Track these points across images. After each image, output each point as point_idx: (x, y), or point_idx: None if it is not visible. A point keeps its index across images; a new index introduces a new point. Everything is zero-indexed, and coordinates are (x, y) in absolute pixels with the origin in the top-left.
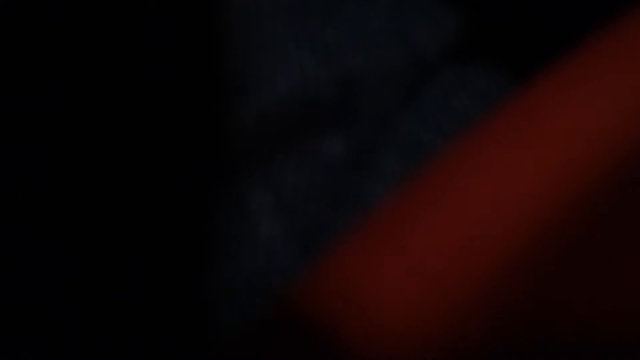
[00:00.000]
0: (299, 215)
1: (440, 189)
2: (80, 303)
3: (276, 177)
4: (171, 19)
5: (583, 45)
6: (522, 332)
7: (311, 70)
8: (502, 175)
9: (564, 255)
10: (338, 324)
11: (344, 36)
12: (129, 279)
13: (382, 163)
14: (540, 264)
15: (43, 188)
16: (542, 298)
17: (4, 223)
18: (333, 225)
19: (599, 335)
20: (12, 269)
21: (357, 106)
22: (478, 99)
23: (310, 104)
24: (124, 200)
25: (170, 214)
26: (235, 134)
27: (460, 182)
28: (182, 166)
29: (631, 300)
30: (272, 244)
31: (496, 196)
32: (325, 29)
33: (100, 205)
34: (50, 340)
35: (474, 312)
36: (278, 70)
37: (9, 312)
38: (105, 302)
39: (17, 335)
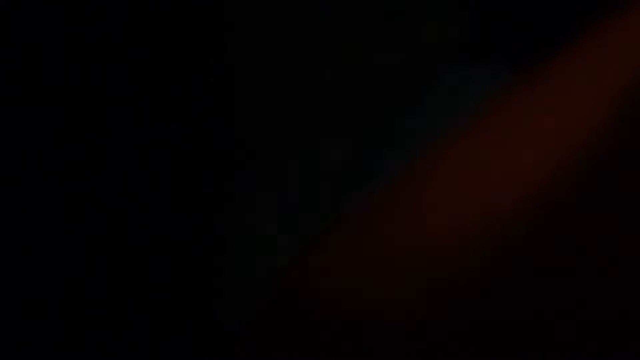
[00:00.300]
0: (303, 214)
1: (435, 185)
2: (86, 298)
3: (280, 176)
4: (176, 13)
5: (579, 40)
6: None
7: (313, 69)
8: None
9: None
10: (334, 311)
11: (348, 33)
12: (133, 274)
13: (387, 163)
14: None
15: (45, 180)
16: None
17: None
18: (336, 227)
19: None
20: (11, 269)
21: (360, 104)
22: (483, 99)
23: (313, 101)
24: (129, 195)
25: (174, 210)
26: (239, 131)
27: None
28: (186, 163)
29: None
30: (275, 243)
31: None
32: (329, 25)
33: (105, 201)
34: (56, 339)
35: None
36: (279, 69)
37: (12, 312)
38: (107, 298)
39: (18, 334)
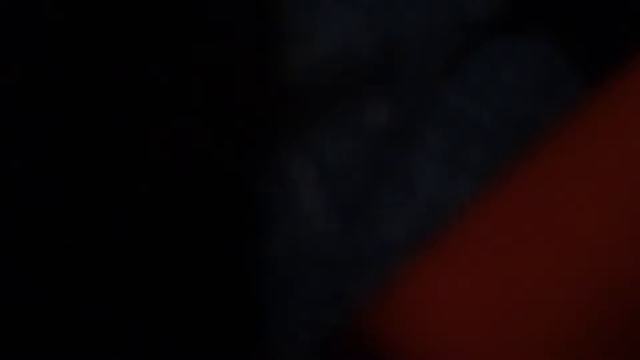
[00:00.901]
0: (342, 186)
1: (517, 208)
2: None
3: (318, 147)
4: None
5: None
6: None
7: (353, 29)
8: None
9: None
10: (405, 348)
11: None
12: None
13: (427, 136)
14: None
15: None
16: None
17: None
18: (376, 199)
19: None
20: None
21: (401, 72)
22: (526, 71)
23: (352, 66)
24: (164, 177)
25: (209, 189)
26: (275, 99)
27: (539, 198)
28: (219, 137)
29: None
30: (315, 217)
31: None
32: None
33: (142, 182)
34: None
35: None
36: (318, 28)
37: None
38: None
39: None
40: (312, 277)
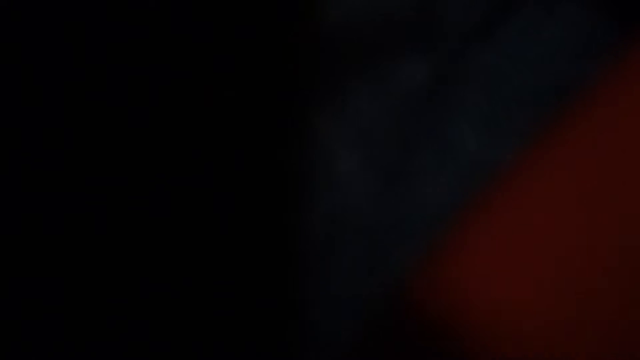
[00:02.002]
0: (379, 147)
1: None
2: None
3: (353, 106)
4: None
5: None
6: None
7: None
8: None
9: None
10: (455, 320)
11: None
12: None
13: (467, 98)
14: None
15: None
16: None
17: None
18: (414, 161)
19: None
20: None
21: (439, 30)
22: (567, 30)
23: (388, 22)
24: (196, 144)
25: (241, 153)
26: (309, 56)
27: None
28: (249, 96)
29: None
30: (350, 180)
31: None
32: None
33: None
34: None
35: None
36: None
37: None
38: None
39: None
40: (351, 244)
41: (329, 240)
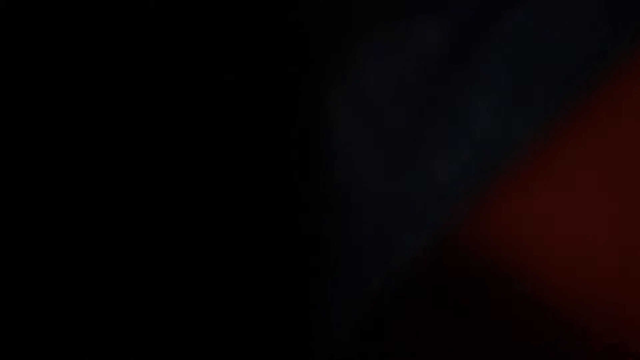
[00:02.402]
0: (385, 115)
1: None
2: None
3: (358, 70)
4: None
5: None
6: None
7: None
8: None
9: None
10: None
11: None
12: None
13: (486, 67)
14: None
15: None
16: None
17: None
18: (424, 136)
19: None
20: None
21: None
22: (595, 2)
23: None
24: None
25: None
26: (309, 13)
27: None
28: (252, 56)
29: None
30: (351, 151)
31: None
32: None
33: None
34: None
35: None
36: None
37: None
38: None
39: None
40: (357, 221)
41: (335, 217)
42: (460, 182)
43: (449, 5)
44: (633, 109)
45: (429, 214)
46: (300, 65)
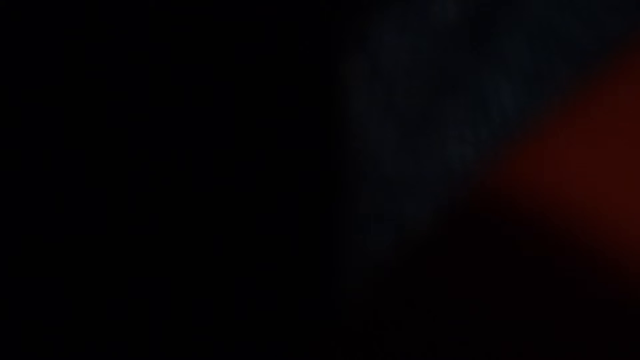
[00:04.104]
0: (399, 89)
1: None
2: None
3: (373, 41)
4: None
5: None
6: None
7: None
8: None
9: None
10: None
11: None
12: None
13: (506, 47)
14: None
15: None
16: None
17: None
18: (441, 113)
19: None
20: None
21: None
22: None
23: None
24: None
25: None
26: None
27: None
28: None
29: None
30: (365, 122)
31: None
32: None
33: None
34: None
35: None
36: None
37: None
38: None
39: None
40: (366, 194)
41: (344, 189)
42: (475, 162)
43: None
44: None
45: (441, 191)
46: (315, 35)
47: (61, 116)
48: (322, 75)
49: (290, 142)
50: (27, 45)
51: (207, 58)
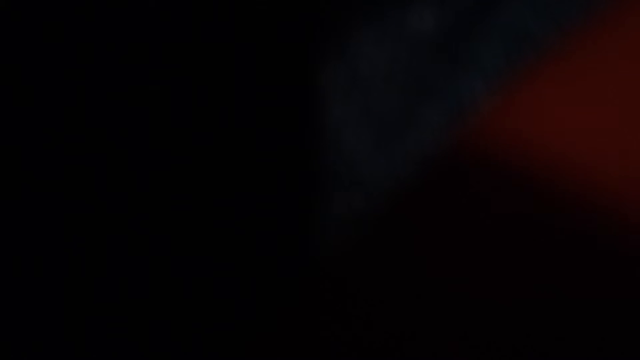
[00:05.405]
0: (376, 96)
1: None
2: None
3: (352, 49)
4: None
5: None
6: None
7: None
8: None
9: None
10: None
11: None
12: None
13: (482, 54)
14: None
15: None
16: None
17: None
18: (417, 117)
19: None
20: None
21: None
22: None
23: None
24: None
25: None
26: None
27: None
28: (246, 29)
29: None
30: (342, 127)
31: None
32: None
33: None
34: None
35: None
36: None
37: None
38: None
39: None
40: (340, 198)
41: (320, 192)
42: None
43: None
44: None
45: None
46: (295, 44)
47: (61, 116)
48: (302, 83)
49: (268, 145)
50: (27, 45)
51: (190, 64)
